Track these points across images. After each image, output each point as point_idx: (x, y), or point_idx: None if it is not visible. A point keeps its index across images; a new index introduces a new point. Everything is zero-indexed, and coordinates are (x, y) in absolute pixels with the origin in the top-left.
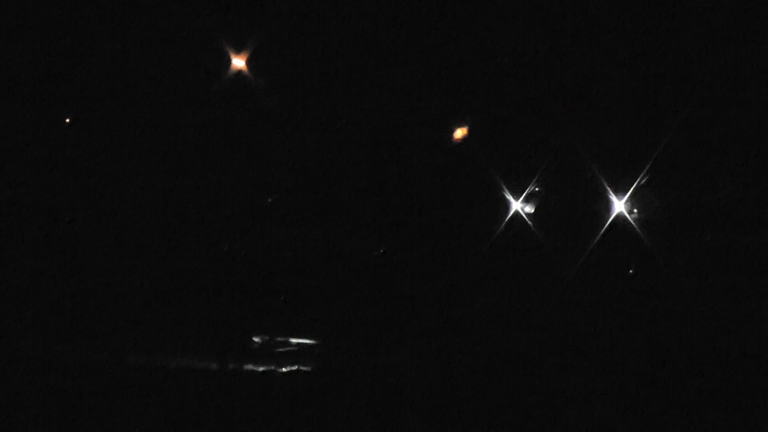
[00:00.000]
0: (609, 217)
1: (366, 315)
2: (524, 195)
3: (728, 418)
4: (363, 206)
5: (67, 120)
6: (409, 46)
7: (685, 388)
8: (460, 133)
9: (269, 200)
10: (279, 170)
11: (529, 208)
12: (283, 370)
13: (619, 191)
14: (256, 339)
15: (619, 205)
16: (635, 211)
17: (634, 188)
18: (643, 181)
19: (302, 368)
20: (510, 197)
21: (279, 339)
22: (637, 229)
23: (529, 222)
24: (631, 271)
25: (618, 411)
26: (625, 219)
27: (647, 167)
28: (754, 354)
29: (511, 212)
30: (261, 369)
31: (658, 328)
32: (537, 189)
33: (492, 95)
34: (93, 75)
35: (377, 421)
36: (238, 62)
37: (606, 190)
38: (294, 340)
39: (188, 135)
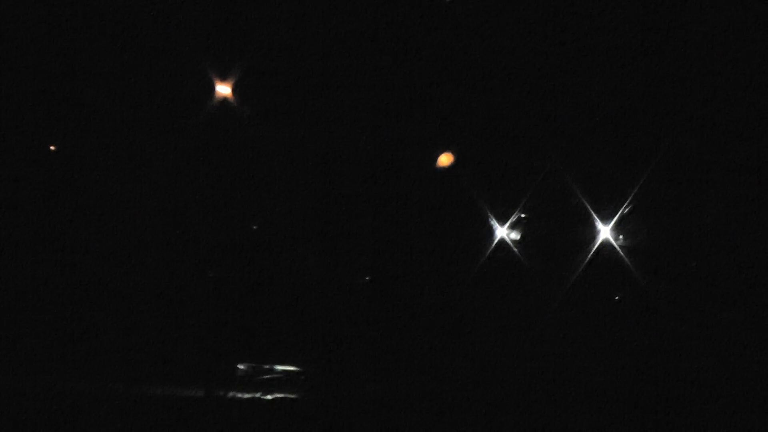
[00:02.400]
0: (595, 244)
1: (352, 343)
2: (510, 222)
3: None
4: (349, 234)
5: (52, 147)
6: (395, 73)
7: (669, 413)
8: (446, 160)
9: (254, 227)
10: (264, 198)
11: (515, 235)
12: (269, 397)
13: (605, 218)
14: (241, 367)
15: (605, 232)
16: (621, 237)
17: (620, 215)
18: (629, 208)
19: (288, 395)
20: (496, 224)
21: (265, 366)
22: (623, 256)
23: (515, 249)
24: (617, 298)
25: None
26: (610, 245)
27: (632, 194)
28: (739, 379)
29: (497, 239)
30: (247, 396)
31: (644, 353)
32: (523, 216)
33: (479, 124)
34: (80, 101)
35: None
36: (224, 89)
37: (591, 216)
38: (279, 368)
39: (172, 162)
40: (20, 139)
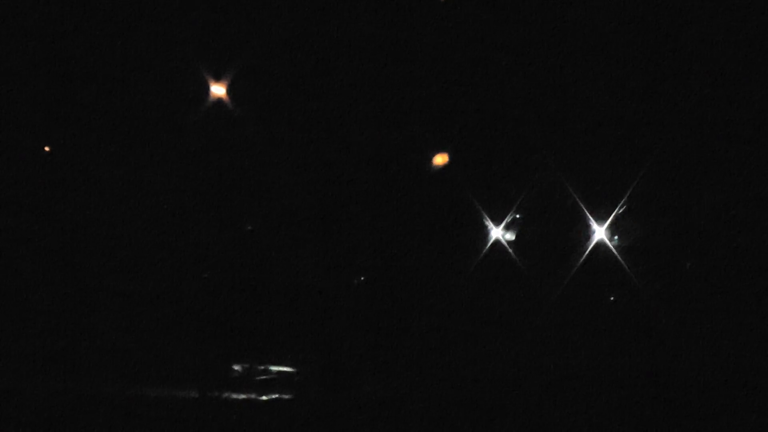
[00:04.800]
0: (590, 244)
1: (348, 343)
2: (505, 222)
3: None
4: (345, 234)
5: (47, 148)
6: (391, 74)
7: (665, 413)
8: (441, 160)
9: (249, 228)
10: (259, 198)
11: (510, 235)
12: (264, 398)
13: (600, 218)
14: (236, 367)
15: (600, 233)
16: (616, 237)
17: (615, 215)
18: (624, 208)
19: (283, 396)
20: (491, 224)
21: (260, 367)
22: (618, 256)
23: (510, 249)
24: (612, 298)
25: None
26: (605, 246)
27: (627, 194)
28: (735, 379)
29: (492, 240)
30: (242, 397)
31: (639, 353)
32: (518, 216)
33: (474, 123)
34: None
35: None
36: (218, 90)
37: (586, 216)
38: (275, 368)
39: (166, 160)
40: (13, 136)
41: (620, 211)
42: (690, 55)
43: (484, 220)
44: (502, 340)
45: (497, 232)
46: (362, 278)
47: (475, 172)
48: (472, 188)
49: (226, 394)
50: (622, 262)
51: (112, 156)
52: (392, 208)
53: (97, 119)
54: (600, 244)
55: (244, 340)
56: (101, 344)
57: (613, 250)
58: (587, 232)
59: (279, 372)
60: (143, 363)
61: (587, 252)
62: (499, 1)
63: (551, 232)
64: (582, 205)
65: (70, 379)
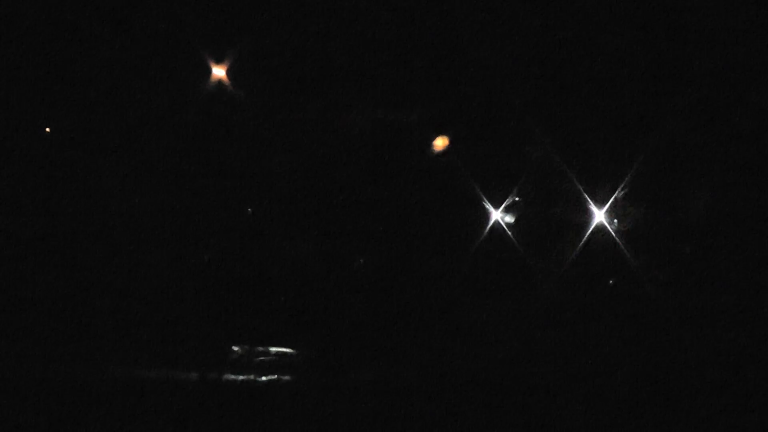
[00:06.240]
0: (589, 228)
1: (347, 325)
2: (504, 206)
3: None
4: (344, 217)
5: (47, 129)
6: (392, 58)
7: (662, 398)
8: (441, 143)
9: (249, 210)
10: (259, 182)
11: (510, 219)
12: (263, 379)
13: (599, 202)
14: (236, 348)
15: (599, 216)
16: (615, 221)
17: (614, 199)
18: (623, 192)
19: (283, 378)
20: (490, 208)
21: (259, 349)
22: (617, 239)
23: (509, 232)
24: (611, 282)
25: (590, 414)
26: (605, 229)
27: (627, 178)
28: (734, 364)
29: (491, 223)
30: (241, 378)
31: (638, 337)
32: (517, 199)
33: (473, 108)
34: (75, 85)
35: (357, 429)
36: (219, 71)
37: (586, 200)
38: (274, 350)
39: (167, 144)
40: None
41: (620, 194)
42: (691, 38)
43: (484, 203)
44: (501, 323)
45: (497, 215)
46: (362, 260)
47: (475, 156)
48: (471, 171)
49: (225, 376)
50: (622, 246)
51: (113, 138)
52: (392, 191)
53: (97, 101)
54: (599, 228)
55: (244, 322)
56: (101, 327)
57: (613, 234)
58: (587, 216)
59: (279, 353)
60: (143, 345)
61: (587, 236)
62: None
63: (550, 215)
64: (582, 189)
65: (71, 361)
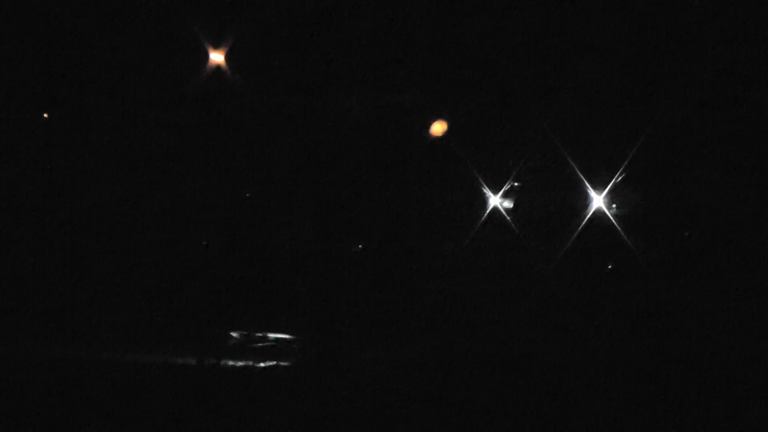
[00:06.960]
0: (588, 213)
1: (346, 310)
2: (503, 191)
3: (706, 413)
4: (342, 203)
5: (45, 115)
6: (391, 46)
7: (661, 380)
8: (440, 128)
9: (247, 195)
10: (258, 167)
11: (508, 203)
12: (262, 365)
13: (598, 187)
14: (234, 334)
15: (598, 201)
16: (614, 206)
17: (613, 184)
18: (622, 176)
19: (281, 363)
20: (489, 193)
21: (258, 334)
22: (616, 224)
23: (508, 217)
24: (609, 266)
25: (590, 402)
26: (603, 214)
27: (626, 163)
28: (731, 347)
29: (490, 208)
30: (240, 364)
31: (636, 321)
32: (516, 184)
33: (472, 93)
34: (75, 76)
35: (355, 415)
36: (217, 57)
37: (585, 185)
38: (273, 336)
39: (165, 133)
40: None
41: (619, 179)
42: (689, 23)
43: (482, 187)
44: (500, 306)
45: (495, 200)
46: (360, 245)
47: (474, 139)
48: (469, 155)
49: (224, 362)
50: (620, 230)
51: (112, 120)
52: (391, 177)
53: (97, 80)
54: (598, 212)
55: (242, 307)
56: (100, 311)
57: (612, 219)
58: (585, 200)
59: (277, 339)
60: (141, 330)
61: (585, 220)
62: None
63: (549, 200)
64: (580, 174)
65: (69, 345)
